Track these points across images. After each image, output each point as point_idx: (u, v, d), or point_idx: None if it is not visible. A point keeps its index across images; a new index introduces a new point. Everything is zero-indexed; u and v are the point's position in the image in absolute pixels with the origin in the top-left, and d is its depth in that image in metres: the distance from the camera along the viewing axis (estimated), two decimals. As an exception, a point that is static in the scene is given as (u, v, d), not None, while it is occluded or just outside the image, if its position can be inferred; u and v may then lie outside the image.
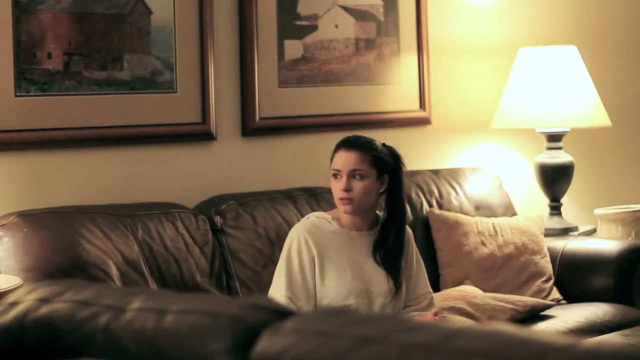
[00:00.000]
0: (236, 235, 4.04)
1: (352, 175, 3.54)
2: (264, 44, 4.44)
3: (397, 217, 3.62)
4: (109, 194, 4.02)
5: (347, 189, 3.54)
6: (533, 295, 4.37)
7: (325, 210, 3.78)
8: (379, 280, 3.59)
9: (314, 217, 3.64)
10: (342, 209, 3.59)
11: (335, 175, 3.58)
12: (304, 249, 3.55)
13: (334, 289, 3.53)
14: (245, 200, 4.14)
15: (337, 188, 3.57)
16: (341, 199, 3.56)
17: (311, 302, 3.53)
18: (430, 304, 3.72)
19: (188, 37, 4.22)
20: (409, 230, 3.72)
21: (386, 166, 3.58)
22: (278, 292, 3.52)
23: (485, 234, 4.50)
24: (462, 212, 4.64)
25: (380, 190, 3.60)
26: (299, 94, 4.57)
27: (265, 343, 1.72)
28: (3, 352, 2.02)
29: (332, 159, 3.60)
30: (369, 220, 3.64)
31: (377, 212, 3.68)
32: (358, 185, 3.54)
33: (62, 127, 3.94)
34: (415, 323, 1.67)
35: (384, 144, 3.63)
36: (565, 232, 4.85)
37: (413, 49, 4.93)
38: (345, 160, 3.55)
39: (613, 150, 5.49)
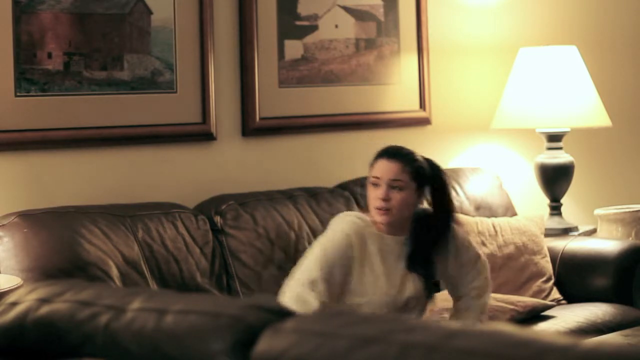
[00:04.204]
0: (236, 235, 4.03)
1: (391, 185, 3.46)
2: (264, 44, 4.44)
3: (442, 227, 3.55)
4: (109, 194, 4.02)
5: (386, 199, 3.46)
6: (533, 296, 4.37)
7: (327, 212, 3.76)
8: (410, 284, 3.52)
9: (355, 218, 3.53)
10: (377, 219, 3.50)
11: (374, 184, 3.49)
12: (343, 246, 3.43)
13: (369, 295, 3.46)
14: (246, 201, 4.13)
15: (374, 196, 3.48)
16: (378, 208, 3.47)
17: (327, 297, 3.38)
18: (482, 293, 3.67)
19: (188, 37, 4.22)
20: (457, 228, 3.64)
21: (426, 180, 3.51)
22: (307, 274, 3.38)
23: (485, 234, 4.50)
24: (462, 212, 4.64)
25: (418, 204, 3.53)
26: (299, 94, 4.56)
27: (265, 343, 1.72)
28: (3, 352, 2.02)
29: (371, 166, 3.51)
30: (403, 227, 3.54)
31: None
32: (397, 196, 3.46)
33: (62, 127, 3.94)
34: (415, 323, 1.67)
35: (424, 157, 3.55)
36: (565, 232, 4.85)
37: (413, 49, 4.92)
38: (387, 169, 3.47)
39: (613, 150, 5.49)
